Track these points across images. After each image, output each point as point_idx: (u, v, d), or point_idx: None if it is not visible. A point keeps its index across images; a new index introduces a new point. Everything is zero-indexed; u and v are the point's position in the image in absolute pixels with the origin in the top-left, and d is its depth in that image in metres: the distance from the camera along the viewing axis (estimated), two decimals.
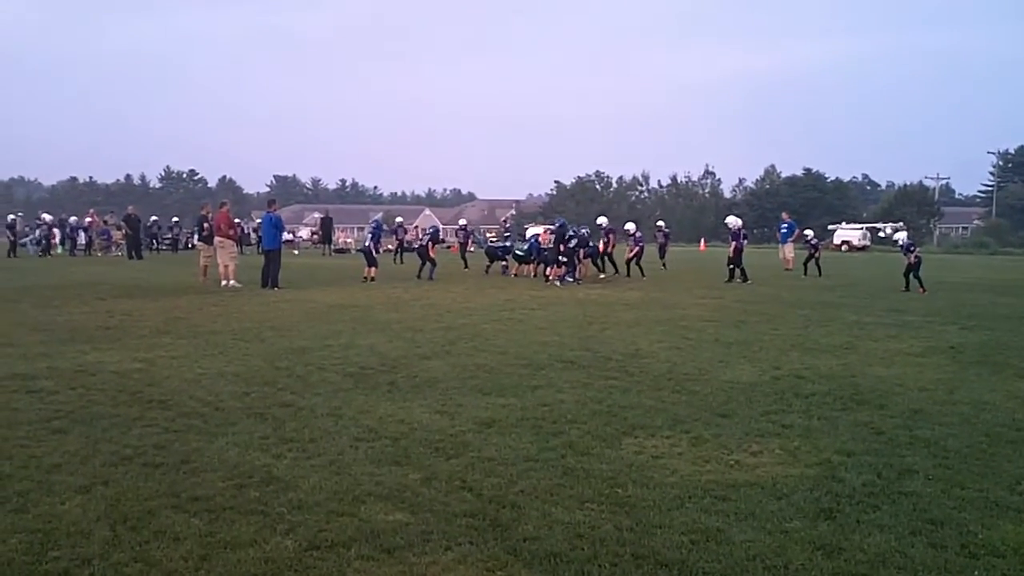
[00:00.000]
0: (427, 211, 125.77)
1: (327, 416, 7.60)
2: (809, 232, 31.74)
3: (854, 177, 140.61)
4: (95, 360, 10.28)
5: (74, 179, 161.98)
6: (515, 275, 27.47)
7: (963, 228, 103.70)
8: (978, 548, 4.73)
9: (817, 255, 29.33)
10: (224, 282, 21.83)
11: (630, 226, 28.77)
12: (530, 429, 7.20)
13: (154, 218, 55.16)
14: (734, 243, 25.75)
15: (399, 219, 37.43)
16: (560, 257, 24.99)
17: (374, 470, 6.04)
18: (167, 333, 12.79)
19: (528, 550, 4.62)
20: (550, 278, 24.89)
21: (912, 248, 23.60)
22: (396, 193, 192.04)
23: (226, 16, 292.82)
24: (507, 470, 6.06)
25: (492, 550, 4.62)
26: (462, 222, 37.67)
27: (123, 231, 40.23)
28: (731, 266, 25.66)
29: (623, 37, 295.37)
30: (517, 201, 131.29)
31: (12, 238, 41.55)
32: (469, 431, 7.13)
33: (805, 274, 28.65)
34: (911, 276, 23.07)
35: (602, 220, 29.54)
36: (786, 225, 34.32)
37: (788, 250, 33.29)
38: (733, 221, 27.12)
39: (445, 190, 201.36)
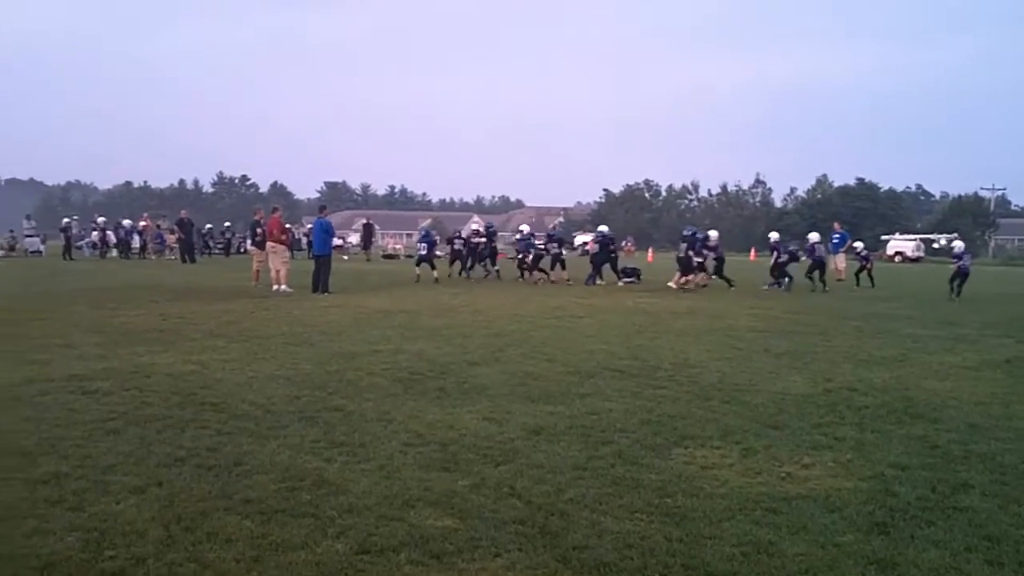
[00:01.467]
0: (475, 218, 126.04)
1: (377, 421, 7.64)
2: (859, 244, 31.52)
3: (908, 187, 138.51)
4: (149, 362, 10.43)
5: (129, 183, 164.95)
6: (552, 281, 27.83)
7: (1019, 240, 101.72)
8: None
9: (869, 266, 29.05)
10: (276, 287, 22.03)
11: (713, 234, 29.01)
12: (579, 437, 7.18)
13: (209, 225, 55.93)
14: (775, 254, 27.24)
15: (475, 226, 37.10)
16: (698, 261, 26.12)
17: (423, 475, 6.06)
18: (220, 336, 12.94)
19: (577, 559, 4.61)
20: (688, 285, 25.60)
21: (961, 257, 23.75)
22: (445, 200, 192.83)
23: (278, 23, 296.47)
24: (556, 478, 6.05)
25: (541, 558, 4.61)
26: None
27: (176, 235, 40.77)
28: (808, 275, 26.63)
29: (675, 44, 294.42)
30: (566, 208, 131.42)
31: (67, 241, 42.33)
32: (518, 438, 7.13)
33: (857, 285, 28.39)
34: (956, 284, 23.84)
35: (713, 233, 29.77)
36: (838, 235, 33.92)
37: (840, 260, 32.93)
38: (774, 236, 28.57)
39: (493, 197, 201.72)
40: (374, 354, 11.37)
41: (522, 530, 5.01)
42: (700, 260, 26.32)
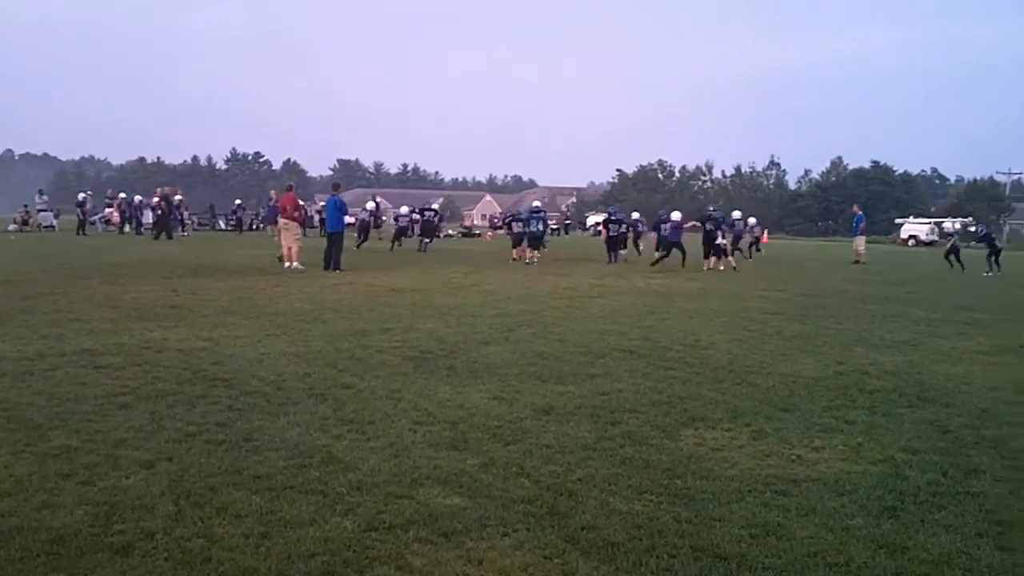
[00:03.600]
0: (488, 197, 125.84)
1: (386, 399, 7.64)
2: (752, 219, 34.49)
3: (923, 171, 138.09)
4: (161, 337, 10.44)
5: (142, 159, 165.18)
6: (516, 259, 28.27)
7: None
8: None
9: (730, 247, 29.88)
10: (287, 264, 22.07)
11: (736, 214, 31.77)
12: (588, 417, 7.17)
13: (238, 201, 56.00)
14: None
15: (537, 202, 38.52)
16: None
17: (432, 454, 6.05)
18: (231, 313, 12.96)
19: (586, 539, 4.60)
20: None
21: (954, 236, 28.00)
22: (457, 179, 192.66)
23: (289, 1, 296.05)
24: (565, 458, 6.04)
25: (549, 537, 4.61)
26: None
27: (158, 211, 39.49)
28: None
29: (687, 26, 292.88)
30: (578, 189, 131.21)
31: (82, 216, 42.23)
32: (527, 418, 7.12)
33: (749, 258, 31.24)
34: (990, 259, 28.03)
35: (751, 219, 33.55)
36: (856, 217, 34.34)
37: (859, 243, 33.21)
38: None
39: (506, 176, 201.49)
40: (385, 332, 11.37)
41: (530, 509, 5.00)
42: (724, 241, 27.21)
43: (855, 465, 6.07)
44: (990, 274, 27.31)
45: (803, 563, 4.39)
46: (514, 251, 28.65)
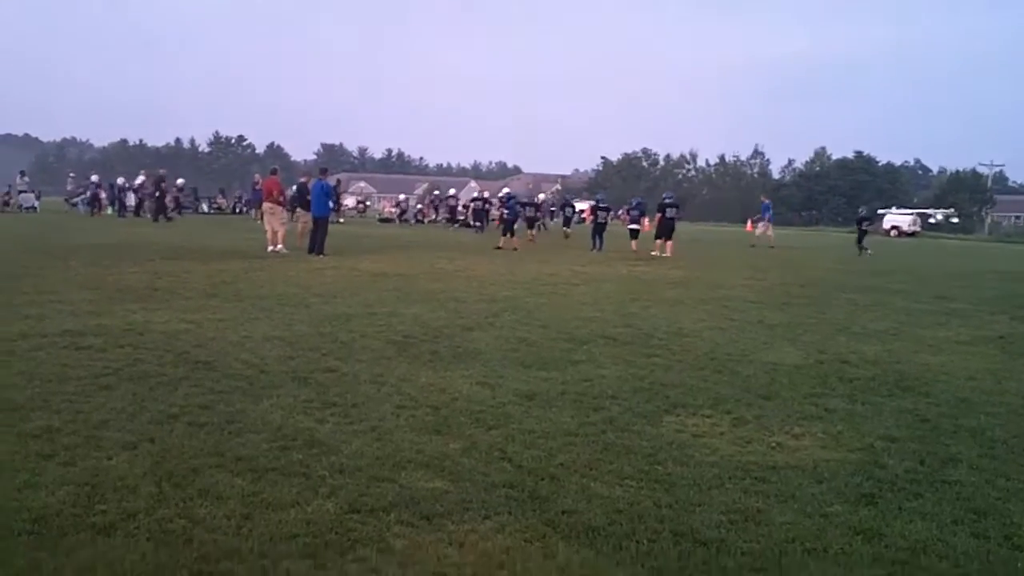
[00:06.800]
0: (472, 183, 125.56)
1: (370, 383, 7.65)
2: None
3: (906, 162, 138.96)
4: (143, 320, 10.41)
5: (124, 141, 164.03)
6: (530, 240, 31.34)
7: (1016, 217, 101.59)
8: (1022, 540, 4.67)
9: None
10: (271, 247, 22.01)
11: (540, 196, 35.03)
12: (571, 403, 7.20)
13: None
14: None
15: (506, 189, 41.61)
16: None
17: (415, 438, 6.07)
18: (214, 296, 12.92)
19: (566, 523, 4.63)
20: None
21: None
22: (442, 164, 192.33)
23: None
24: (547, 443, 6.07)
25: (530, 521, 4.63)
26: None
27: (154, 193, 39.40)
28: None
29: (674, 12, 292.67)
30: (563, 176, 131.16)
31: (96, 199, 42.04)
32: (510, 403, 7.14)
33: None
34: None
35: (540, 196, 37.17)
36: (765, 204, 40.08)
37: (768, 228, 38.10)
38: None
39: (491, 162, 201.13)
40: (369, 316, 11.36)
41: (512, 494, 5.02)
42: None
43: (834, 452, 6.13)
44: (868, 253, 31.39)
45: (781, 548, 4.44)
46: (528, 232, 31.88)
